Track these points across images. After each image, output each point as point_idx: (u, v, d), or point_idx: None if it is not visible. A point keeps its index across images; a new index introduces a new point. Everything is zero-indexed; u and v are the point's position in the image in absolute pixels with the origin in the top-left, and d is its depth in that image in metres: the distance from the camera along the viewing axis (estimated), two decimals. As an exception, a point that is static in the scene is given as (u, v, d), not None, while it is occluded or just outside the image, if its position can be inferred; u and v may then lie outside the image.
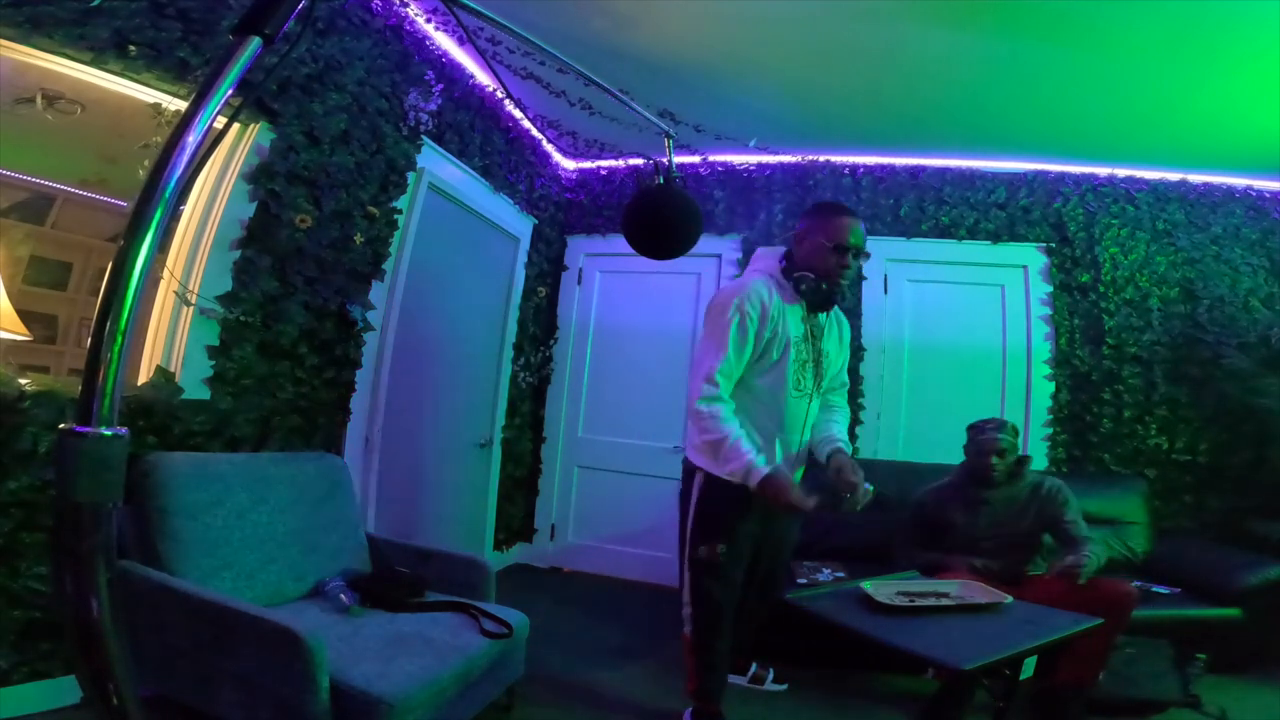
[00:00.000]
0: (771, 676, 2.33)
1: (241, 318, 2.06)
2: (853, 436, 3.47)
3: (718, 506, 1.89)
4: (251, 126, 2.11)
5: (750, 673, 2.34)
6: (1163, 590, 2.57)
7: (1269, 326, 3.17)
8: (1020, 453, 2.40)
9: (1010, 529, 2.32)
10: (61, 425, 0.57)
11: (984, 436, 2.37)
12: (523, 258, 3.67)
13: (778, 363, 1.87)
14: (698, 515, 1.93)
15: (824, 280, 1.88)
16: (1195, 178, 3.42)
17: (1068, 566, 2.06)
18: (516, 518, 3.82)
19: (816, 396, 2.00)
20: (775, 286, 1.91)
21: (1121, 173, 3.48)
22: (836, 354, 2.06)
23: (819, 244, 1.88)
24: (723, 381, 1.83)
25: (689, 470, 2.00)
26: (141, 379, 1.91)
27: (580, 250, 4.03)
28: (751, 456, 1.76)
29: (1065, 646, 1.90)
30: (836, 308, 2.02)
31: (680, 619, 2.00)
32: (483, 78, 3.11)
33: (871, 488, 1.83)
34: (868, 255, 1.95)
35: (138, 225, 0.58)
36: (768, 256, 2.01)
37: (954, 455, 3.27)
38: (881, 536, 3.06)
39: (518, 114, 3.37)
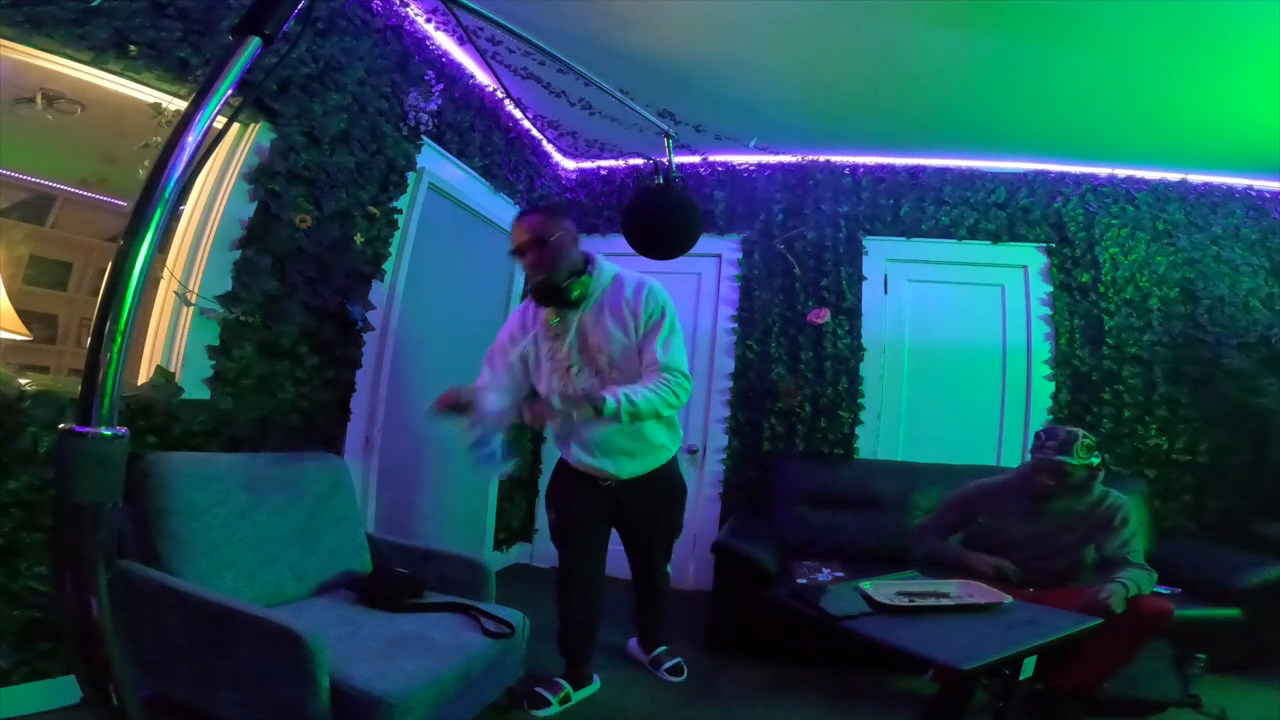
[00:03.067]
0: (670, 666, 2.36)
1: (241, 318, 2.06)
2: (853, 436, 3.48)
3: (553, 482, 2.30)
4: (251, 126, 2.10)
5: (652, 654, 2.41)
6: (1163, 590, 2.56)
7: (1269, 326, 3.17)
8: (1092, 464, 2.15)
9: (1058, 541, 2.18)
10: (61, 425, 0.57)
11: (1041, 456, 2.13)
12: (523, 258, 3.66)
13: (537, 355, 2.09)
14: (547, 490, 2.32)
15: (531, 283, 2.03)
16: (1195, 178, 3.42)
17: (1096, 601, 1.90)
18: (516, 518, 3.82)
19: (603, 373, 2.01)
20: (531, 304, 2.10)
21: (1121, 173, 3.48)
22: (615, 333, 2.00)
23: None
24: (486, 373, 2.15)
25: None
26: (141, 379, 1.91)
27: (580, 250, 4.03)
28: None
29: (1078, 650, 1.91)
30: (625, 295, 2.02)
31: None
32: (483, 78, 3.11)
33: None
34: (518, 253, 1.98)
35: (138, 225, 0.58)
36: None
37: (954, 455, 3.29)
38: (881, 537, 3.07)
39: (518, 114, 3.36)
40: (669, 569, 2.42)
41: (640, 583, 2.38)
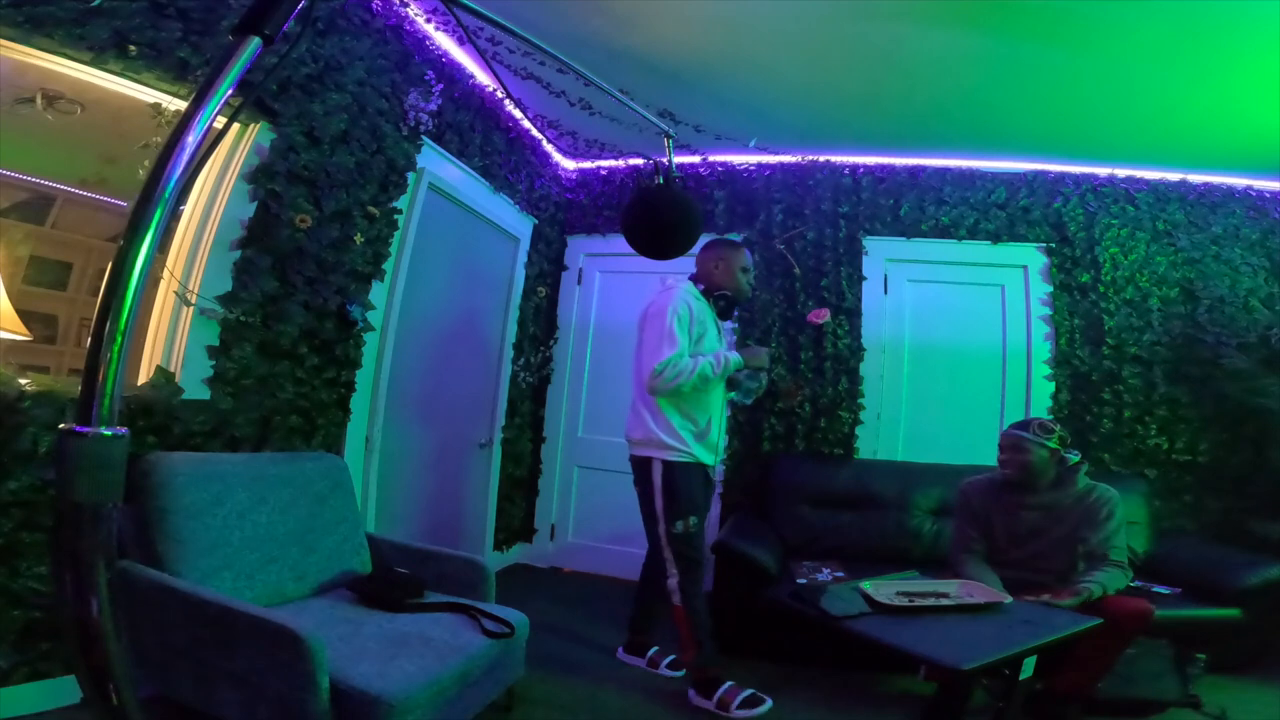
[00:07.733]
0: (670, 661, 2.41)
1: (241, 318, 2.06)
2: (853, 436, 3.49)
3: (683, 485, 2.21)
4: (251, 126, 2.10)
5: (648, 655, 2.45)
6: (1163, 590, 2.57)
7: (1269, 326, 3.17)
8: (1064, 456, 2.21)
9: (1046, 538, 2.18)
10: (61, 425, 0.57)
11: (1002, 432, 2.30)
12: (523, 258, 3.67)
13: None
14: (666, 497, 2.21)
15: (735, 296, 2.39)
16: (1195, 178, 3.42)
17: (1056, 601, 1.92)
18: (516, 518, 3.82)
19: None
20: (691, 299, 2.29)
21: (1121, 173, 3.48)
22: None
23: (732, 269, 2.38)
24: (672, 358, 2.17)
25: (640, 463, 2.28)
26: (141, 379, 1.91)
27: (580, 250, 4.03)
28: (721, 351, 2.23)
29: (1069, 654, 1.91)
30: None
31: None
32: (483, 78, 3.11)
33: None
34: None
35: (138, 225, 0.58)
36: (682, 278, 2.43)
37: (954, 455, 3.29)
38: (881, 537, 3.07)
39: (518, 114, 3.37)
40: None
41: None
